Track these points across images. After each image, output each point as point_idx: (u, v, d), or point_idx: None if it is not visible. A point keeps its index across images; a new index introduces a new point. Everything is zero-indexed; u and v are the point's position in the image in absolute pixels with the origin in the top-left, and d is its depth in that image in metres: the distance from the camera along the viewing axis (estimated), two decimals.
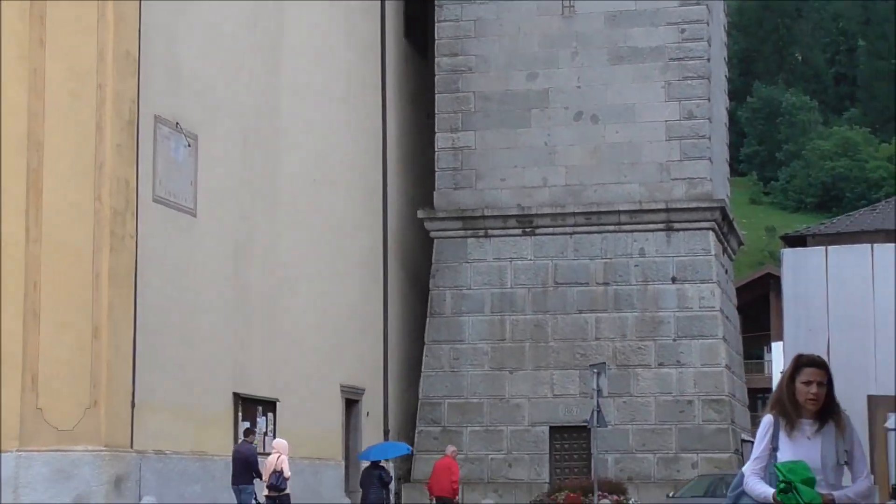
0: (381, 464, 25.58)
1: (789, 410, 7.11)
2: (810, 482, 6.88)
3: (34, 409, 21.05)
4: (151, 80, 22.83)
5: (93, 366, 21.11)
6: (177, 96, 23.85)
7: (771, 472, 7.06)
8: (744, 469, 7.37)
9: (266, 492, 22.83)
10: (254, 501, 23.03)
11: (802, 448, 7.06)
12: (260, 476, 22.88)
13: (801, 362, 7.17)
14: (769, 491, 6.96)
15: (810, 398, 7.05)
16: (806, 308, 40.00)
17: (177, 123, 23.58)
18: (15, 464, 20.81)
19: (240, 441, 23.92)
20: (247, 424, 24.91)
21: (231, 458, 23.27)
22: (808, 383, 7.05)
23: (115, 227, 21.35)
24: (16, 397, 20.98)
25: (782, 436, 7.13)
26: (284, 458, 22.81)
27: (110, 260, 21.22)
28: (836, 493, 6.91)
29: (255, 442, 24.26)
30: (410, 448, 30.70)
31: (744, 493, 7.32)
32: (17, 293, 21.11)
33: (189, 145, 23.88)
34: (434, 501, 24.93)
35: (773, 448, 7.14)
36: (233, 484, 22.96)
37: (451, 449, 27.54)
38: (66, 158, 21.31)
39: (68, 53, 21.50)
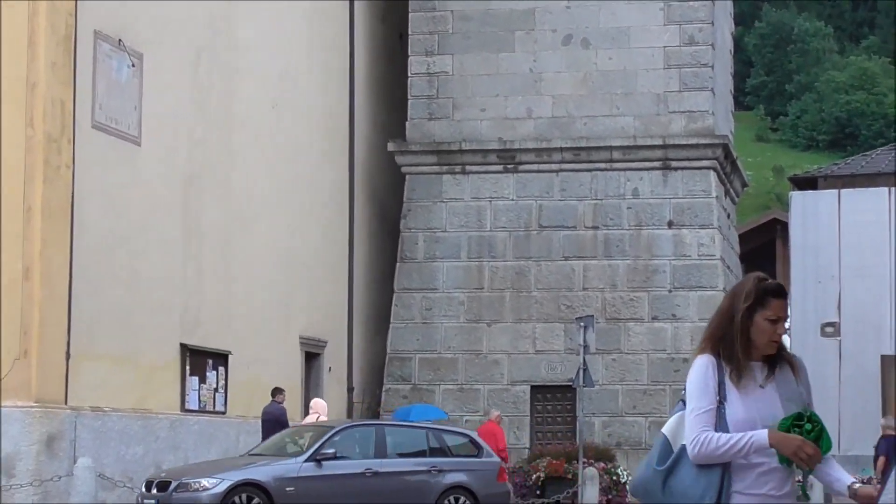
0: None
1: (738, 352, 6.08)
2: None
3: None
4: None
5: (23, 311, 21.05)
6: (119, 9, 23.63)
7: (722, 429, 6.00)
8: (665, 431, 6.23)
9: None
10: None
11: (756, 399, 6.07)
12: None
13: (765, 290, 6.11)
14: (756, 436, 5.83)
15: (775, 340, 6.11)
16: (816, 257, 40.24)
17: (119, 40, 23.41)
18: None
19: (268, 403, 24.51)
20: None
21: (260, 420, 23.73)
22: (774, 321, 6.09)
23: (49, 155, 21.23)
24: None
25: (728, 384, 6.08)
26: (324, 419, 23.31)
27: (44, 192, 21.12)
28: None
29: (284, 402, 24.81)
30: (447, 415, 31.15)
31: (680, 463, 6.12)
32: None
33: (133, 65, 23.74)
34: None
35: (721, 400, 6.06)
36: None
37: (494, 413, 27.78)
38: None
39: None
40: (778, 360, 6.20)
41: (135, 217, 23.88)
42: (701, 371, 6.13)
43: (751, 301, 6.10)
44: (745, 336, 6.11)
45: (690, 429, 6.07)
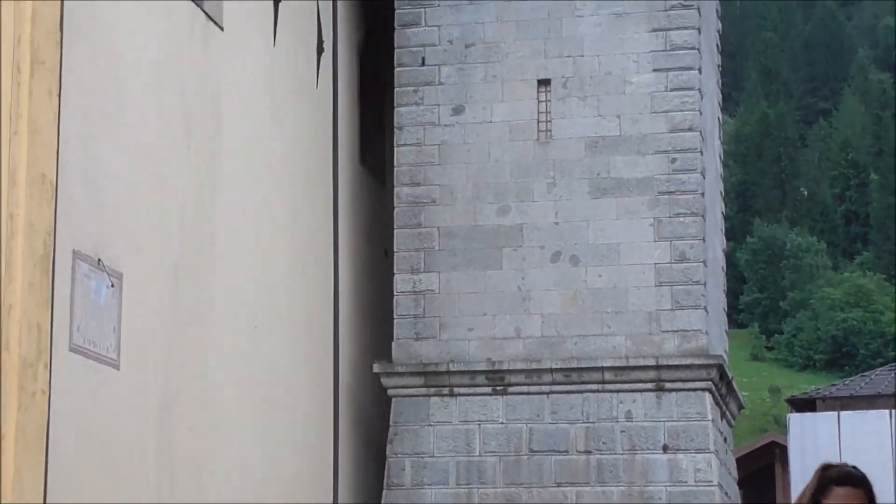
0: None
1: None
2: None
3: None
4: (70, 208, 22.79)
5: None
6: (99, 228, 23.85)
7: None
8: None
9: None
10: None
11: None
12: None
13: (828, 478, 6.00)
14: None
15: None
16: None
17: (98, 260, 23.54)
18: None
19: None
20: None
21: None
22: None
23: (24, 381, 21.14)
24: None
25: None
26: None
27: (18, 419, 20.97)
28: None
29: None
30: None
31: None
32: None
33: (112, 285, 23.86)
34: None
35: None
36: None
37: None
38: None
39: None
40: None
41: (110, 446, 23.72)
42: None
43: (813, 490, 5.99)
44: None
45: None
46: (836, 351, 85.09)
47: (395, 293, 34.68)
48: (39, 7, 21.53)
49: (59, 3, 22.07)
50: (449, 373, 33.89)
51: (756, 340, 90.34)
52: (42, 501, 21.45)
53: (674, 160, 34.22)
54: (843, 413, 41.58)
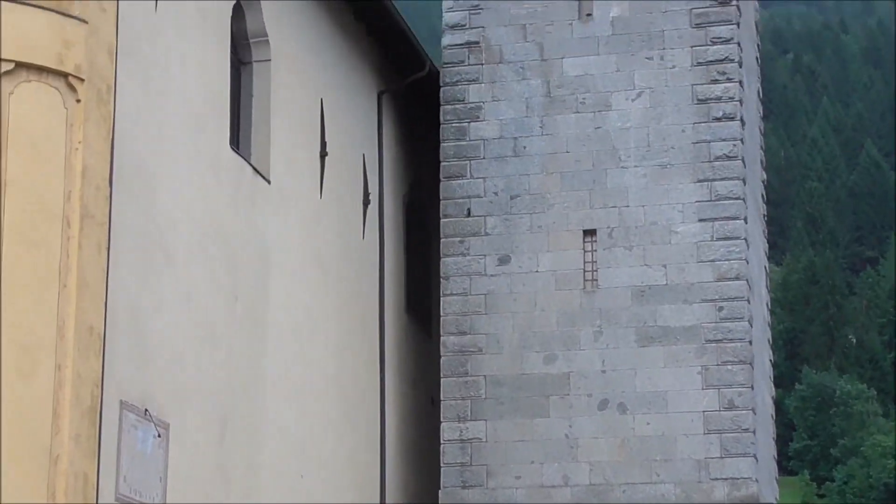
0: None
1: None
2: None
3: None
4: (117, 359, 22.85)
5: None
6: (146, 378, 23.89)
7: None
8: None
9: None
10: None
11: None
12: None
13: None
14: None
15: None
16: None
17: (145, 410, 23.57)
18: None
19: None
20: None
21: None
22: None
23: None
24: None
25: None
26: None
27: None
28: None
29: None
30: None
31: None
32: None
33: (159, 435, 23.84)
34: None
35: None
36: None
37: None
38: (18, 450, 21.13)
39: (22, 328, 21.56)
40: None
41: None
42: None
43: None
44: None
45: None
46: (890, 499, 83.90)
47: (441, 441, 34.50)
48: (89, 163, 21.84)
49: (108, 158, 22.38)
50: None
51: (807, 488, 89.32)
52: None
53: (721, 309, 34.08)
54: None
